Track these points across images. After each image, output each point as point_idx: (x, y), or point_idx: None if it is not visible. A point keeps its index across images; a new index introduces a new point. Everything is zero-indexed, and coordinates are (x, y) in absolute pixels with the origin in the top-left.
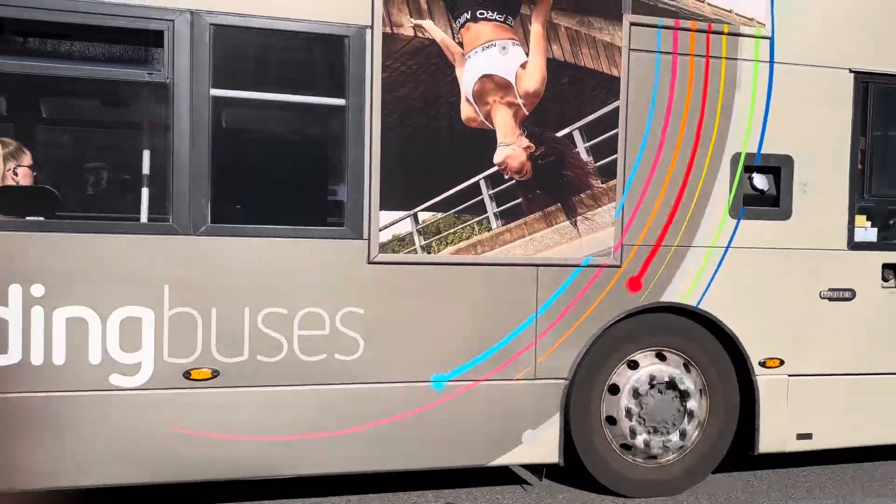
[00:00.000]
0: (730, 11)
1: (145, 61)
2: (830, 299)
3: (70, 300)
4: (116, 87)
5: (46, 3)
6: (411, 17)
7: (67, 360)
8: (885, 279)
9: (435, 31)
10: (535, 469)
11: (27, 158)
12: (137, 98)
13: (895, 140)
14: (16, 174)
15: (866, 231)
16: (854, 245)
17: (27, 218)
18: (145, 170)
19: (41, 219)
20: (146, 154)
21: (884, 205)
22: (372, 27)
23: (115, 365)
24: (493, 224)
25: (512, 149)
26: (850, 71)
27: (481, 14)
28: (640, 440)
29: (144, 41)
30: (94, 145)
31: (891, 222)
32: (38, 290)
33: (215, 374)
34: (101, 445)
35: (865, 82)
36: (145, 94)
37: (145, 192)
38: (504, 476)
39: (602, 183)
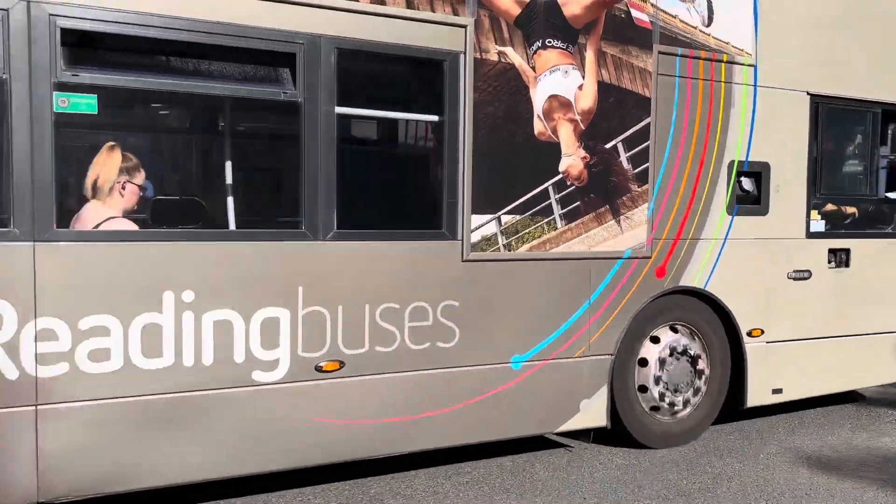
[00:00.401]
0: (727, 43)
1: (278, 81)
2: (794, 279)
3: (217, 304)
4: (253, 104)
5: (193, 26)
6: (496, 44)
7: (215, 360)
8: (829, 261)
9: (514, 56)
10: (581, 434)
11: (140, 177)
12: (272, 115)
13: (838, 149)
14: (123, 189)
15: (818, 223)
16: (810, 234)
17: (179, 228)
18: (279, 181)
19: (191, 229)
20: (280, 167)
21: (829, 202)
22: (465, 52)
23: (257, 362)
24: (559, 224)
25: (572, 159)
26: (807, 93)
27: (549, 42)
28: (666, 402)
29: (278, 62)
30: (234, 159)
31: (833, 216)
32: (188, 295)
33: (342, 365)
34: (250, 437)
35: (817, 102)
36: (279, 111)
37: (280, 201)
38: (538, 443)
39: (638, 187)
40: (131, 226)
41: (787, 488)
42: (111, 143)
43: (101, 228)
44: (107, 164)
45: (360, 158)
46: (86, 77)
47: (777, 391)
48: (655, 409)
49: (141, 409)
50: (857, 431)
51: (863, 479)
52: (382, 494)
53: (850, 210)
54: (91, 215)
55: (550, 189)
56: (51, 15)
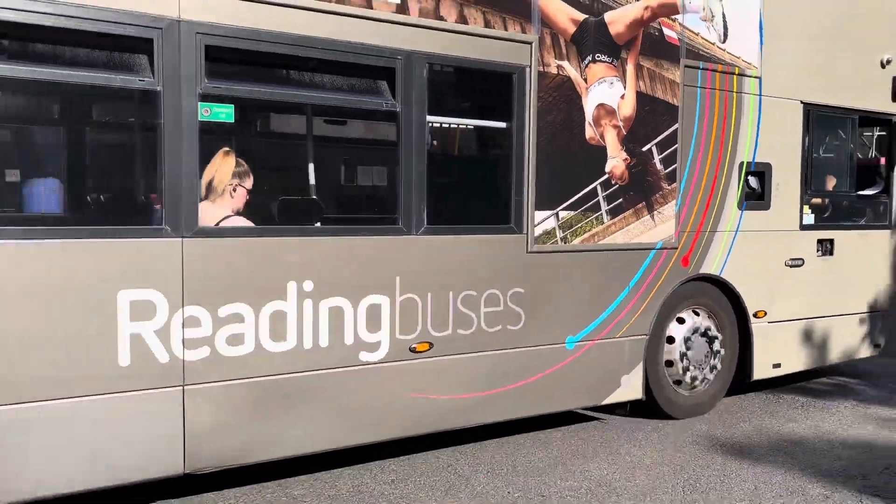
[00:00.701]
0: (738, 58)
1: (379, 93)
2: (790, 266)
3: (331, 292)
4: (357, 114)
5: (312, 42)
6: (555, 58)
7: (329, 342)
8: (818, 251)
9: (570, 69)
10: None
11: (249, 182)
12: (372, 124)
13: (828, 151)
14: (234, 192)
15: (809, 216)
16: (802, 227)
17: (300, 225)
18: (380, 183)
19: (311, 225)
20: (381, 170)
21: (817, 198)
22: (531, 66)
23: (363, 344)
24: (605, 219)
25: (616, 160)
26: (801, 102)
27: (598, 57)
28: (688, 376)
29: (380, 76)
30: (343, 164)
31: (820, 210)
32: (308, 285)
33: (431, 346)
34: (357, 412)
35: (808, 109)
36: (379, 120)
37: (380, 200)
38: (569, 417)
39: (668, 185)
40: (249, 224)
41: (702, 474)
42: (226, 148)
43: (223, 226)
44: (222, 168)
45: (444, 162)
46: (225, 88)
47: (777, 366)
48: (678, 382)
49: (269, 387)
50: (767, 418)
51: (773, 462)
52: (306, 496)
53: (834, 205)
54: (209, 215)
55: (598, 187)
56: (197, 33)
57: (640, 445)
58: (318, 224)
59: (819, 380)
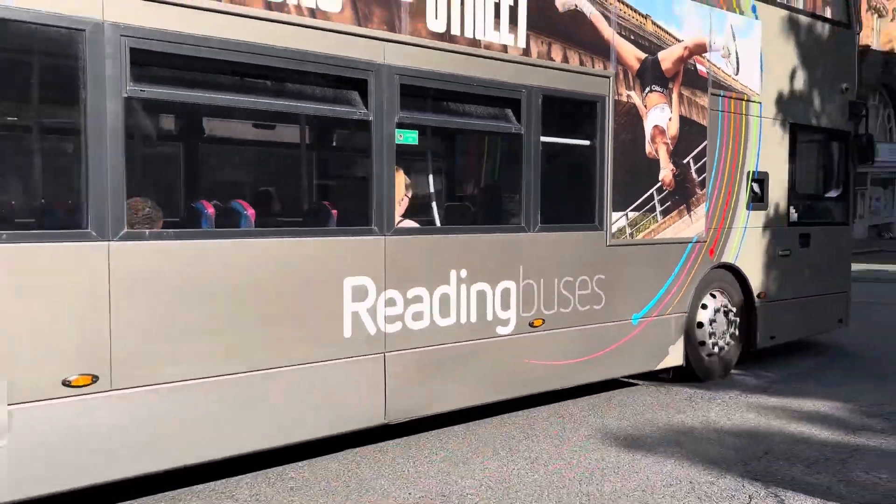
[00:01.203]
0: (747, 87)
1: (506, 119)
2: (781, 256)
3: (478, 279)
4: (492, 136)
5: (459, 78)
6: (625, 89)
7: (477, 318)
8: (800, 243)
9: (635, 98)
10: (661, 372)
11: (411, 192)
12: (503, 143)
13: (805, 161)
14: (402, 200)
15: (794, 215)
16: (789, 224)
17: (457, 226)
18: (507, 190)
19: (462, 225)
20: (509, 181)
21: (799, 199)
22: (609, 95)
23: (499, 320)
24: (658, 218)
25: (666, 171)
26: (789, 122)
27: (654, 87)
28: (715, 346)
29: (508, 106)
30: (483, 176)
31: (801, 210)
32: (463, 273)
33: (543, 322)
34: (493, 375)
35: (793, 128)
36: (509, 140)
37: (508, 205)
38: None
39: (700, 191)
40: (417, 225)
41: (596, 467)
42: (398, 166)
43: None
44: (399, 181)
45: (550, 173)
46: (413, 118)
47: (773, 337)
48: (706, 351)
49: (439, 354)
50: (657, 410)
51: (662, 453)
52: None
53: (810, 206)
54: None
55: (654, 193)
56: (397, 74)
57: (537, 441)
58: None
59: None
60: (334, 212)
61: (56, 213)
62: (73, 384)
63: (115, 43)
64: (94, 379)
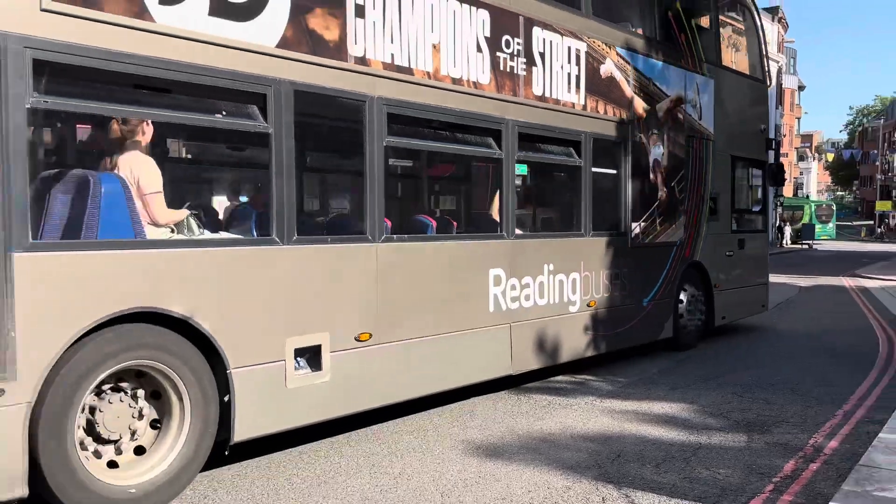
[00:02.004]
0: (705, 128)
1: (572, 156)
2: (727, 256)
3: (559, 270)
4: (562, 168)
5: (549, 128)
6: (638, 132)
7: (558, 300)
8: (738, 246)
9: (643, 138)
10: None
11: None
12: (569, 173)
13: (739, 184)
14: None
15: (734, 225)
16: (731, 231)
17: (549, 231)
18: (568, 206)
19: (550, 231)
20: (573, 199)
21: (738, 212)
22: (629, 137)
23: (570, 302)
24: (658, 227)
25: (662, 192)
26: (730, 155)
27: (653, 131)
28: (690, 323)
29: (572, 146)
30: (554, 191)
31: (738, 221)
32: (550, 266)
33: (596, 303)
34: (565, 343)
35: (733, 159)
36: (570, 171)
37: (570, 215)
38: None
39: (681, 206)
40: (527, 231)
41: (459, 479)
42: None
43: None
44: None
45: (595, 193)
46: (523, 155)
47: (724, 318)
48: (685, 326)
49: (539, 326)
50: (518, 418)
51: (522, 461)
52: None
53: (743, 217)
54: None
55: (655, 208)
56: (517, 126)
57: (401, 456)
58: (563, 232)
59: (561, 378)
60: (482, 223)
61: (349, 224)
62: (359, 339)
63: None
64: (370, 336)
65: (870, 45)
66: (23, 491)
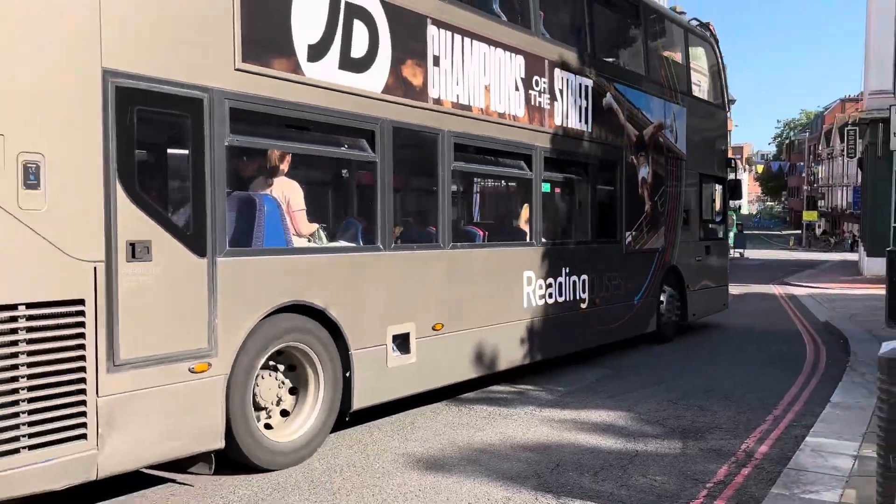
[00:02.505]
0: (679, 150)
1: (580, 175)
2: (697, 261)
3: (572, 272)
4: (574, 187)
5: (567, 153)
6: (629, 154)
7: (573, 298)
8: (705, 252)
9: (634, 159)
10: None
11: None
12: (580, 189)
13: (705, 197)
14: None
15: (701, 234)
16: (699, 239)
17: (570, 240)
18: (582, 218)
19: (572, 240)
20: (582, 212)
21: (703, 223)
22: (623, 158)
23: (581, 299)
24: (646, 235)
25: (648, 205)
26: (698, 172)
27: (640, 153)
28: (669, 319)
29: (583, 168)
30: (573, 210)
31: (705, 230)
32: (567, 269)
33: (600, 301)
34: (577, 335)
35: (700, 176)
36: (578, 188)
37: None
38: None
39: (662, 218)
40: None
41: (399, 493)
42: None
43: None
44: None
45: (598, 205)
46: (550, 177)
47: (694, 315)
48: (665, 322)
49: (554, 320)
50: (458, 429)
51: (463, 472)
52: None
53: (708, 227)
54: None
55: (643, 219)
56: (543, 152)
57: (341, 472)
58: (575, 239)
59: (501, 388)
60: (516, 233)
61: (427, 234)
62: (435, 328)
63: None
64: (442, 326)
65: (796, 61)
66: (222, 443)
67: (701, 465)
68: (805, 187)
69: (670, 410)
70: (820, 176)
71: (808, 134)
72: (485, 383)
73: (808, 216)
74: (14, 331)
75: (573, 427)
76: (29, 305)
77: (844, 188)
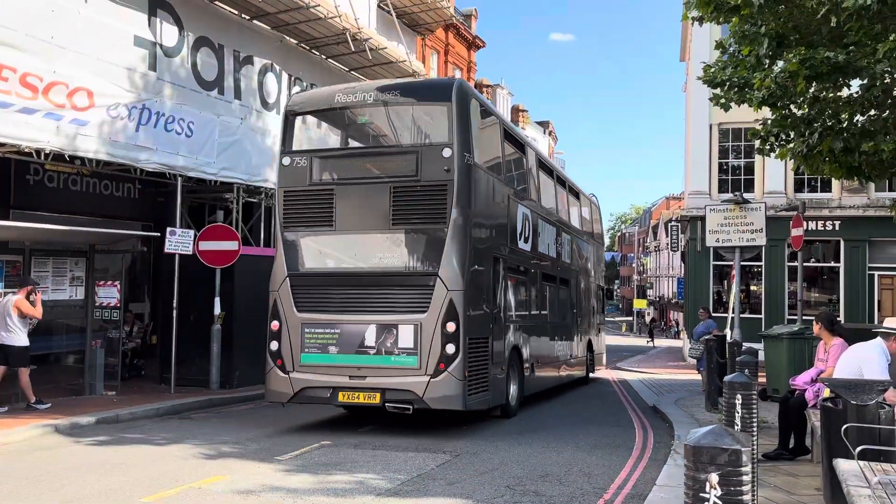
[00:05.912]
0: (592, 272)
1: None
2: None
3: (562, 339)
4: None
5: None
6: (579, 275)
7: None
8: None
9: (580, 277)
10: None
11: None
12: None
13: (597, 298)
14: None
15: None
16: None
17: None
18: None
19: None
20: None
21: (595, 315)
22: (579, 276)
23: (570, 355)
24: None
25: (584, 303)
26: (597, 284)
27: (581, 273)
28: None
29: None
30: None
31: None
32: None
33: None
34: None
35: (597, 287)
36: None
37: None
38: None
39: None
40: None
41: None
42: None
43: None
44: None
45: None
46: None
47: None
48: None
49: (565, 368)
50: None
51: None
52: None
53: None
54: None
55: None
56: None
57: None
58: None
59: (339, 477)
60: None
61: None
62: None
63: None
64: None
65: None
66: None
67: None
68: (635, 277)
69: (507, 496)
70: (648, 267)
71: (637, 227)
72: (326, 470)
73: (639, 304)
74: None
75: None
76: None
77: (670, 279)
